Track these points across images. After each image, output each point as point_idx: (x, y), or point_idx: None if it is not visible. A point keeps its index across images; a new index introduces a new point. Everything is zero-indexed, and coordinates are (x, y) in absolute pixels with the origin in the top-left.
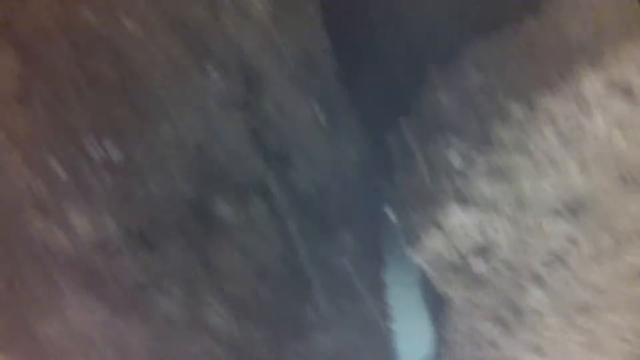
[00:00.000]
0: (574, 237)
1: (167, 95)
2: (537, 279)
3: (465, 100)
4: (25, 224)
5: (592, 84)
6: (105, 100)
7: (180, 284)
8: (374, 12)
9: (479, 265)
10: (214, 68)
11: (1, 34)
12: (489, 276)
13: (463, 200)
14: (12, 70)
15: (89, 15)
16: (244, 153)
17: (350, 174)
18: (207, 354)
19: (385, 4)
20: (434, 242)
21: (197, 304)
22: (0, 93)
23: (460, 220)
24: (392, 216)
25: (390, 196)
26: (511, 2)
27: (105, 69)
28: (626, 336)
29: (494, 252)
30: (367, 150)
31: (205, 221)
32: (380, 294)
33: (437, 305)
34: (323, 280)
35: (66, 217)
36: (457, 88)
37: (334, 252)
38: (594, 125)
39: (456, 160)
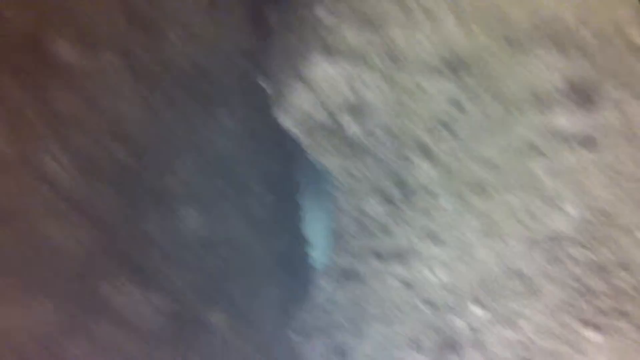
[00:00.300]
0: (458, 101)
1: None
2: (424, 150)
3: None
4: None
5: None
6: None
7: (9, 119)
8: None
9: (352, 127)
10: None
11: None
12: (367, 143)
13: (327, 50)
14: None
15: None
16: (102, 8)
17: (230, 52)
18: (46, 204)
19: None
20: (300, 99)
21: (30, 144)
22: None
23: (325, 73)
24: (264, 84)
25: (264, 66)
26: None
27: None
28: (522, 218)
29: (369, 114)
30: (248, 29)
31: (44, 60)
32: (268, 184)
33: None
34: (192, 155)
35: None
36: None
37: (208, 130)
38: None
39: (323, 14)
